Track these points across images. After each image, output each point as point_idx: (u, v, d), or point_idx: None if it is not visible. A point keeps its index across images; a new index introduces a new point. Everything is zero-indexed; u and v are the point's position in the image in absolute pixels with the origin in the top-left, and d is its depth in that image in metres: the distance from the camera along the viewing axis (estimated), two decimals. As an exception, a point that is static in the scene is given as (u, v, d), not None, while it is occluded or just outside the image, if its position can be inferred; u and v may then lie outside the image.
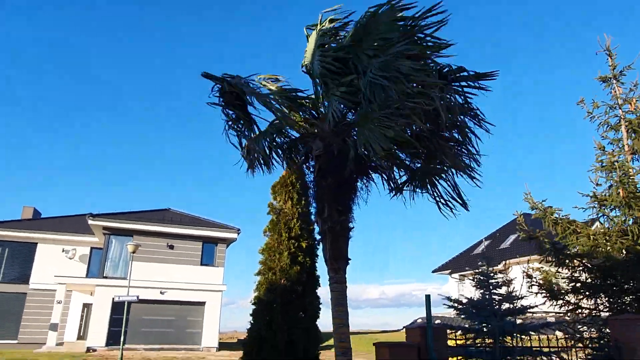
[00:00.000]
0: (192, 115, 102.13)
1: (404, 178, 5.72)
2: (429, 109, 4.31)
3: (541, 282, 9.87)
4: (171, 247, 28.72)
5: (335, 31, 5.40)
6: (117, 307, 24.51)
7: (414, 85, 4.39)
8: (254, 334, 7.94)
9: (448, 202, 5.61)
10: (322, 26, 5.40)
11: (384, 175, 5.63)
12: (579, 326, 9.25)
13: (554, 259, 9.42)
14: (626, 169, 9.45)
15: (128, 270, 27.33)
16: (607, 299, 9.66)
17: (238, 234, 30.15)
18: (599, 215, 9.59)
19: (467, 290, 37.10)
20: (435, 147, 4.84)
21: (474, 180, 5.38)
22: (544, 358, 7.99)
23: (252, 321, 8.22)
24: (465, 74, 4.82)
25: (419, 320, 41.03)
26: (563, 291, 9.90)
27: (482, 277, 9.11)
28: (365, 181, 5.45)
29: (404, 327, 40.70)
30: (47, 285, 28.00)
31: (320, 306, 8.34)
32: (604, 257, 8.95)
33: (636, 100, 10.16)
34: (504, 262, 34.09)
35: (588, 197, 9.69)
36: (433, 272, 41.29)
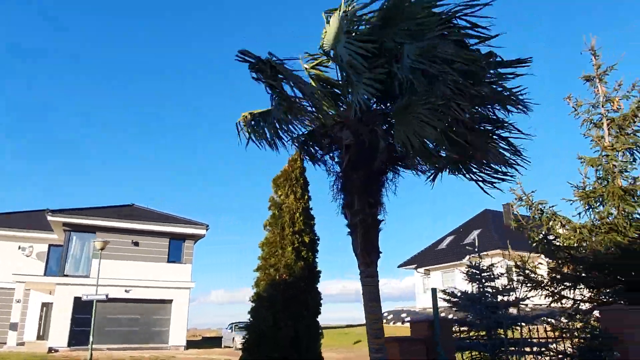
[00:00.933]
0: (156, 107, 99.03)
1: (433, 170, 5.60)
2: (474, 101, 4.24)
3: (528, 273, 10.08)
4: (136, 243, 27.83)
5: (360, 14, 5.20)
6: (79, 307, 23.48)
7: (460, 74, 4.25)
8: (255, 330, 7.69)
9: (487, 181, 5.45)
10: (345, 8, 5.20)
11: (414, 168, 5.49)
12: (564, 317, 9.54)
13: (543, 251, 9.64)
14: (614, 165, 9.79)
15: (89, 268, 26.37)
16: (589, 291, 10.00)
17: (207, 230, 29.59)
18: (587, 209, 9.87)
19: (432, 283, 38.01)
20: (474, 141, 4.72)
21: (513, 167, 5.28)
22: (539, 349, 8.19)
23: (251, 319, 7.96)
24: (499, 59, 4.72)
25: (385, 314, 41.76)
26: (546, 282, 10.17)
27: (474, 270, 9.24)
28: (394, 172, 5.31)
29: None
30: (3, 284, 26.51)
31: (322, 302, 8.22)
32: (591, 250, 9.24)
33: (619, 100, 10.52)
34: (468, 256, 35.06)
35: (576, 191, 9.96)
36: (399, 266, 41.97)
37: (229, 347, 28.88)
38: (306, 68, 5.69)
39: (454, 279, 35.19)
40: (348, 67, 4.66)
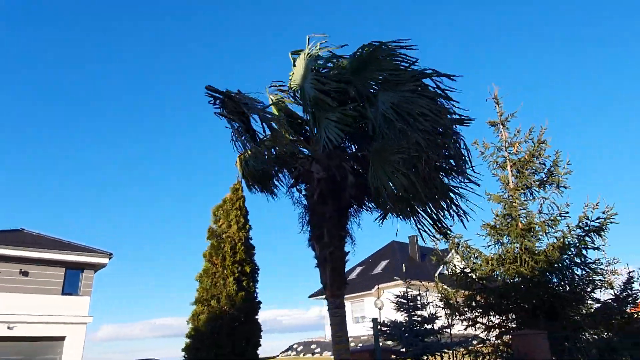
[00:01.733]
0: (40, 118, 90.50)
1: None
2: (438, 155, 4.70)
3: (448, 301, 10.79)
4: (25, 273, 24.88)
5: (327, 57, 5.47)
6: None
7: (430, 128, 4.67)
8: None
9: (427, 231, 5.94)
10: (311, 51, 5.44)
11: (371, 205, 5.77)
12: (478, 342, 10.34)
13: (461, 282, 10.42)
14: (518, 205, 10.99)
15: (-37, 302, 23.00)
16: (498, 317, 10.96)
17: (110, 258, 27.41)
18: (496, 242, 10.92)
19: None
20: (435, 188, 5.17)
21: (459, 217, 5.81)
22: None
23: (186, 355, 7.51)
24: (456, 116, 5.27)
25: (295, 345, 41.34)
26: (463, 310, 10.97)
27: (403, 300, 9.71)
28: (360, 207, 5.53)
29: (280, 353, 40.55)
30: None
31: (261, 334, 8.05)
32: (501, 280, 10.20)
33: (519, 144, 11.92)
34: (377, 286, 36.37)
35: (486, 226, 10.99)
36: (310, 297, 42.05)
37: (130, 387, 26.71)
38: (272, 99, 5.81)
39: (364, 308, 36.10)
40: (314, 104, 4.87)
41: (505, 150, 12.29)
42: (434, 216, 5.78)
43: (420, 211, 5.65)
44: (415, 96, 4.85)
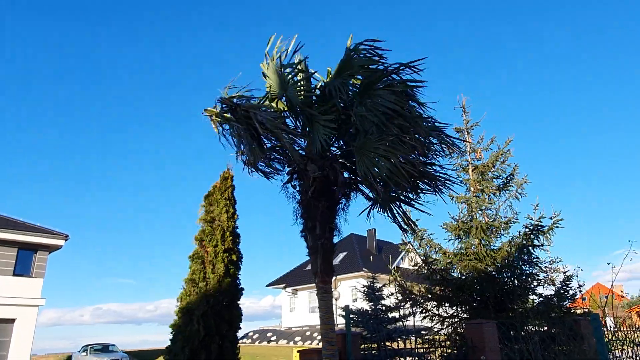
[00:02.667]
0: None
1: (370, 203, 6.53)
2: (416, 146, 5.33)
3: (406, 293, 11.62)
4: (-26, 252, 24.04)
5: (297, 63, 6.03)
6: None
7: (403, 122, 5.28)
8: (179, 347, 7.63)
9: (401, 225, 6.63)
10: (289, 59, 6.03)
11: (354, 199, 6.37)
12: (436, 330, 11.25)
13: (422, 273, 11.27)
14: (481, 205, 11.95)
15: None
16: (452, 308, 11.90)
17: (65, 240, 26.80)
18: (456, 238, 11.85)
19: (300, 303, 39.32)
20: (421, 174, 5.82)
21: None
22: (419, 358, 9.60)
23: (174, 332, 7.87)
24: (433, 121, 5.91)
25: (250, 333, 41.77)
26: (421, 301, 11.84)
27: (369, 290, 10.41)
28: (346, 203, 6.12)
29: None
30: None
31: (242, 317, 8.50)
32: (459, 274, 11.12)
33: (481, 151, 12.89)
34: (334, 277, 37.29)
35: (448, 224, 11.88)
36: (267, 285, 42.56)
37: (83, 372, 26.30)
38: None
39: (320, 298, 37.00)
40: (303, 110, 5.43)
41: (469, 155, 13.22)
42: (402, 210, 6.48)
43: (401, 197, 6.33)
44: (386, 93, 5.40)
